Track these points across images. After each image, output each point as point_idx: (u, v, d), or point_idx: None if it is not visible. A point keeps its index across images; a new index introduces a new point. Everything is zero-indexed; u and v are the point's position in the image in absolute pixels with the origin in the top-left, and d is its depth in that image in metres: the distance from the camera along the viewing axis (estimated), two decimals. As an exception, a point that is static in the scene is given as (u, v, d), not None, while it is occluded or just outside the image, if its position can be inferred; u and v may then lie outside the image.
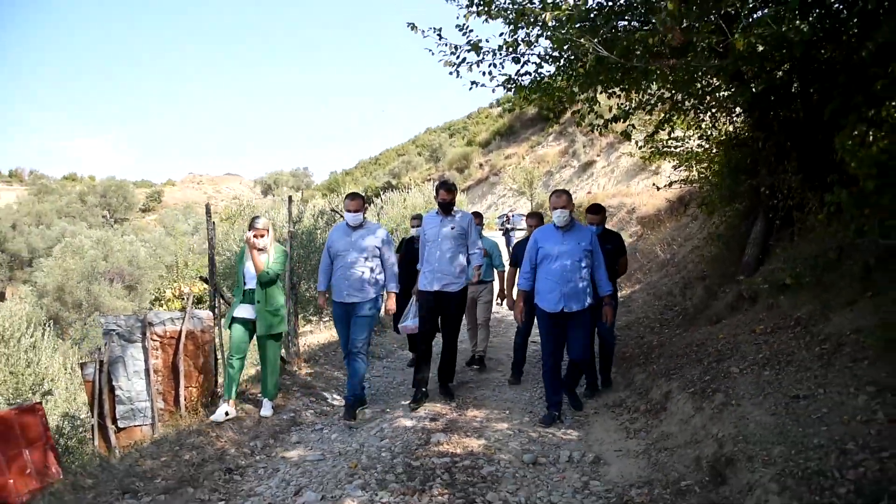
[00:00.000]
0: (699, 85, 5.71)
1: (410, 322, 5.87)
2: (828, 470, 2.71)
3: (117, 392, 5.39)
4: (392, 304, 5.50)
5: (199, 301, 10.69)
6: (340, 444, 4.51)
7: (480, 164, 55.42)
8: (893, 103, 3.62)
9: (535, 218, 6.33)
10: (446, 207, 5.50)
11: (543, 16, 4.61)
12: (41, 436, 5.86)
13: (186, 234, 50.80)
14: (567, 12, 4.55)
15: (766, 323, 5.06)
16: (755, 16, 4.38)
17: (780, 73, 5.08)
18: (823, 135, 4.66)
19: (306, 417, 5.38)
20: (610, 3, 5.12)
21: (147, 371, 5.41)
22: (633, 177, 30.24)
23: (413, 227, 7.27)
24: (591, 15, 5.10)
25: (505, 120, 58.35)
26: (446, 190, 5.54)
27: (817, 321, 4.49)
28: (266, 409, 5.29)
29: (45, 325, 11.33)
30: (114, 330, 5.35)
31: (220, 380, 5.80)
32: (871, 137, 3.65)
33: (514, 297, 5.89)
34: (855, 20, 3.59)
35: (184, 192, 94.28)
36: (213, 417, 4.94)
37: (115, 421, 5.44)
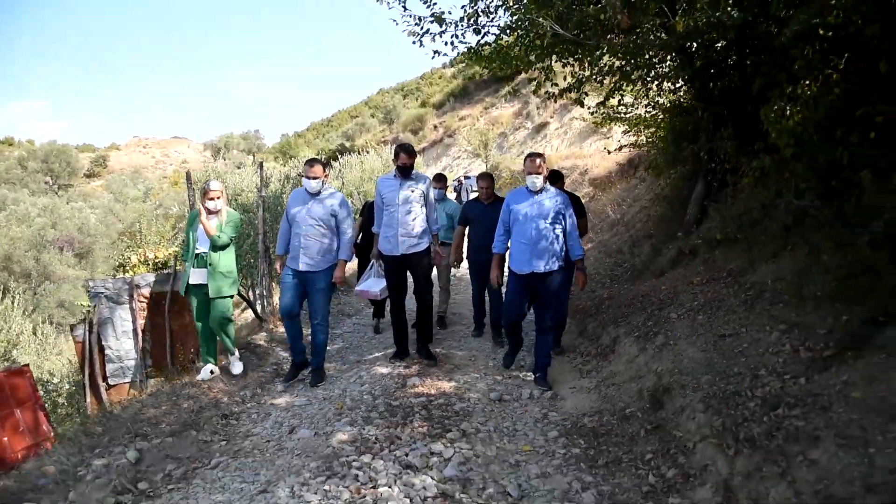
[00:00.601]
0: (646, 57, 6.18)
1: (368, 286, 5.79)
2: (742, 391, 3.30)
3: (107, 351, 5.71)
4: (341, 272, 5.29)
5: (163, 265, 10.83)
6: (323, 391, 4.96)
7: (435, 126, 55.27)
8: (807, 82, 4.17)
9: (486, 179, 6.41)
10: (406, 171, 5.42)
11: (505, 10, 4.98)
12: (30, 396, 6.14)
13: (137, 199, 49.56)
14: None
15: (702, 275, 5.68)
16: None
17: (718, 48, 5.59)
18: (753, 106, 5.21)
19: (287, 370, 5.79)
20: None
21: (135, 331, 5.74)
22: (585, 138, 30.84)
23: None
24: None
25: (459, 81, 58.12)
26: (406, 154, 5.45)
27: (745, 272, 5.11)
28: (235, 367, 5.43)
29: (14, 292, 11.30)
30: (102, 292, 5.65)
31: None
32: (788, 112, 4.20)
33: (455, 254, 6.34)
34: (779, 6, 4.09)
35: (130, 157, 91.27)
36: (199, 377, 5.17)
37: (105, 378, 5.77)
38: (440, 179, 7.25)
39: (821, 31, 3.84)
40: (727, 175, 6.29)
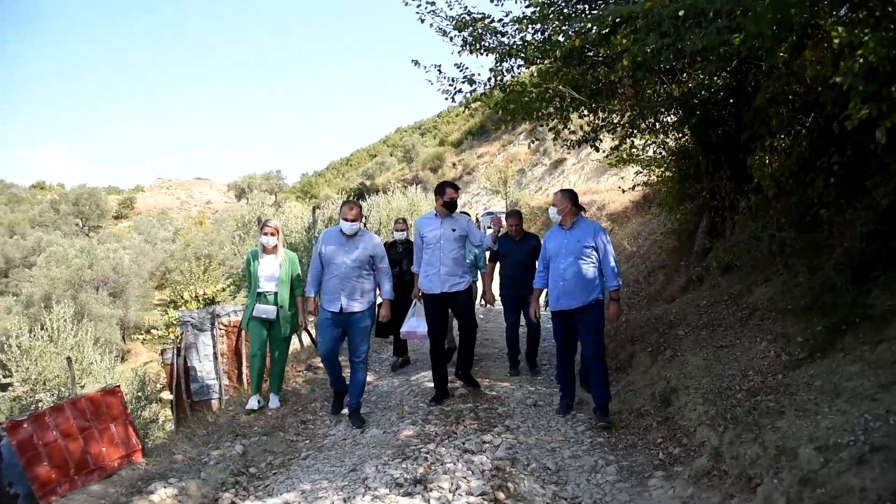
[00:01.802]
0: (652, 111, 7.11)
1: (412, 326, 5.89)
2: (733, 386, 4.14)
3: (192, 372, 6.63)
4: (387, 311, 5.44)
5: (212, 301, 11.85)
6: (383, 400, 5.83)
7: (454, 164, 56.55)
8: (782, 136, 5.06)
9: (515, 217, 6.64)
10: (453, 206, 5.54)
11: (528, 68, 5.95)
12: (122, 413, 7.05)
13: (166, 240, 51.11)
14: (548, 66, 5.94)
15: (707, 298, 6.50)
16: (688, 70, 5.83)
17: (713, 103, 6.51)
18: (744, 153, 6.11)
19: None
20: (582, 52, 6.44)
21: (215, 354, 6.67)
22: (602, 174, 31.74)
23: (397, 230, 7.26)
24: (566, 59, 6.45)
25: (476, 119, 59.48)
26: (453, 188, 5.59)
27: (742, 295, 5.94)
28: (273, 402, 5.72)
29: (87, 326, 12.38)
30: (188, 321, 6.60)
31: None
32: (768, 160, 5.10)
33: (488, 291, 6.21)
34: (753, 78, 5.01)
35: (155, 198, 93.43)
36: (248, 406, 5.58)
37: (189, 396, 6.69)
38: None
39: (790, 97, 4.76)
40: (727, 211, 7.16)
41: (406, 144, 72.05)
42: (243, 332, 6.63)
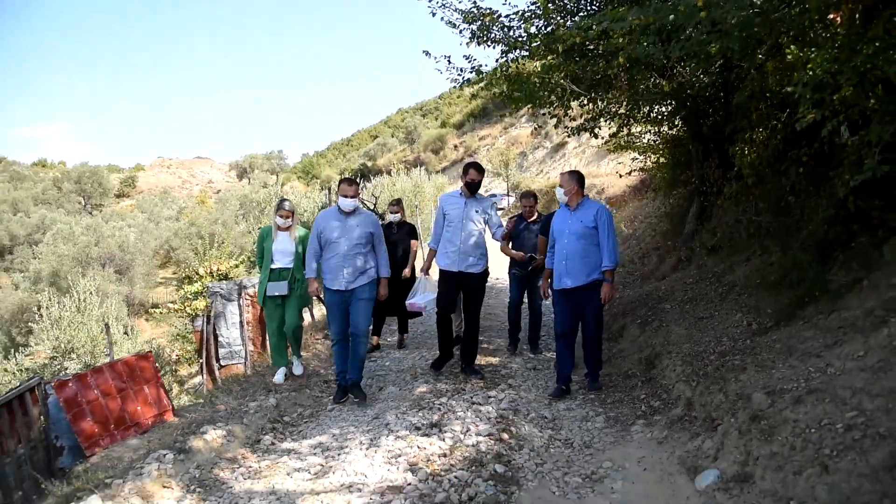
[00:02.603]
0: (647, 102, 7.64)
1: (420, 300, 6.05)
2: (708, 350, 4.73)
3: (220, 339, 7.24)
4: (385, 289, 5.45)
5: (225, 276, 12.43)
6: (396, 364, 6.43)
7: (455, 146, 56.95)
8: (760, 129, 5.61)
9: (529, 198, 6.82)
10: (474, 188, 5.65)
11: (532, 64, 6.48)
12: (154, 376, 7.70)
13: (170, 219, 51.61)
14: (551, 61, 6.47)
15: (693, 276, 7.08)
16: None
17: (703, 97, 7.04)
18: (729, 143, 6.66)
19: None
20: (583, 47, 6.95)
21: (241, 323, 7.27)
22: (602, 158, 32.17)
23: (391, 213, 7.29)
24: (567, 53, 6.96)
25: (478, 101, 59.72)
26: (476, 170, 5.66)
27: (725, 273, 6.51)
28: (297, 368, 6.07)
29: (115, 298, 12.98)
30: (218, 292, 7.19)
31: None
32: (747, 151, 5.66)
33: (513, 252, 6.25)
34: (736, 77, 5.55)
35: (157, 177, 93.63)
36: (275, 379, 5.83)
37: (217, 360, 7.30)
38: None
39: (767, 94, 5.30)
40: (714, 197, 7.71)
41: (408, 126, 72.21)
42: (267, 303, 7.24)
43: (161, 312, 13.93)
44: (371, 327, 5.79)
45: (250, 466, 3.96)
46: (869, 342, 3.37)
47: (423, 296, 6.04)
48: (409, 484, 3.46)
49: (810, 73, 3.19)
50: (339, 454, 4.03)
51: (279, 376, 5.85)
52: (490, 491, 3.33)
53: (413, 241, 7.15)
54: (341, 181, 5.41)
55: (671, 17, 3.33)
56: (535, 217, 6.68)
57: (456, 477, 3.50)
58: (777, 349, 4.09)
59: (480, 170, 5.73)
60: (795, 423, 3.00)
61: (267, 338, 7.33)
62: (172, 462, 3.84)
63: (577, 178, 5.21)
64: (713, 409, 3.79)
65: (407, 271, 6.88)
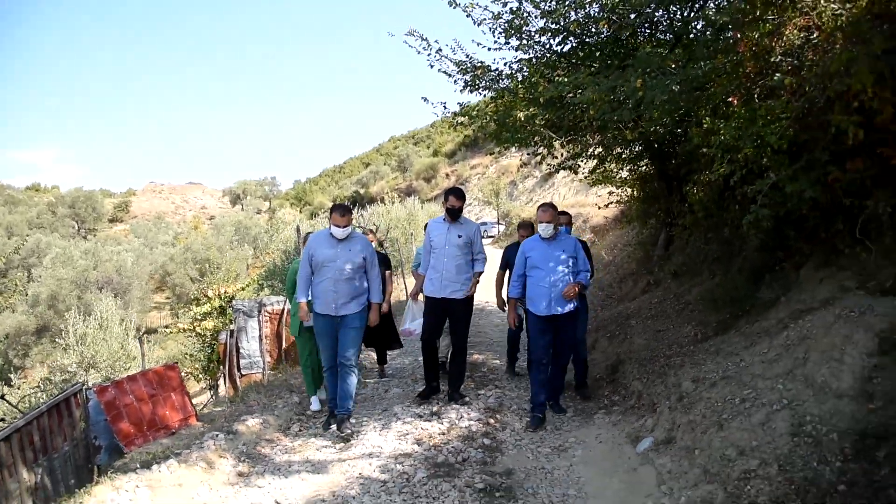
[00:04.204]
0: (616, 146, 8.74)
1: (415, 326, 6.15)
2: (659, 355, 5.75)
3: (241, 350, 8.16)
4: (376, 315, 5.35)
5: (231, 299, 13.34)
6: (398, 372, 7.38)
7: (447, 174, 58.08)
8: (708, 171, 6.69)
9: (527, 228, 6.78)
10: (455, 214, 5.60)
11: (516, 113, 7.56)
12: (180, 385, 8.60)
13: (166, 244, 52.39)
14: (532, 112, 7.56)
15: (658, 297, 8.11)
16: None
17: (665, 141, 8.15)
18: (684, 183, 7.76)
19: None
20: (560, 100, 8.01)
21: (260, 337, 8.20)
22: (589, 188, 33.38)
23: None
24: (546, 105, 8.04)
25: (469, 131, 60.92)
26: (456, 196, 5.61)
27: (684, 294, 7.55)
28: (315, 404, 5.90)
29: (130, 317, 13.91)
30: (241, 308, 8.14)
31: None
32: (696, 190, 6.73)
33: (504, 297, 6.25)
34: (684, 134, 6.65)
35: (150, 202, 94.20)
36: (311, 408, 5.82)
37: (239, 369, 8.23)
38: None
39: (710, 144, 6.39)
40: (678, 227, 8.79)
41: (400, 154, 73.28)
42: (284, 318, 8.19)
43: (170, 332, 14.78)
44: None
45: (286, 445, 4.90)
46: (773, 342, 4.39)
47: (415, 321, 6.15)
48: (417, 452, 4.44)
49: (721, 137, 4.25)
50: (357, 435, 4.98)
51: (315, 404, 5.87)
52: (479, 455, 4.32)
53: (387, 272, 6.92)
54: (333, 208, 5.19)
55: (616, 93, 4.39)
56: None
57: (453, 447, 4.48)
58: (710, 351, 5.11)
59: (460, 196, 5.68)
60: (708, 400, 4.01)
61: (282, 350, 8.28)
62: (224, 440, 4.78)
63: (557, 210, 5.32)
64: (655, 397, 4.81)
65: (385, 307, 6.40)
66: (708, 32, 4.92)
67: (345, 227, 5.08)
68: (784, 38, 3.89)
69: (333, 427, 5.16)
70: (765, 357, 4.21)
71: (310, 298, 5.26)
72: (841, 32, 3.40)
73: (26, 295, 36.04)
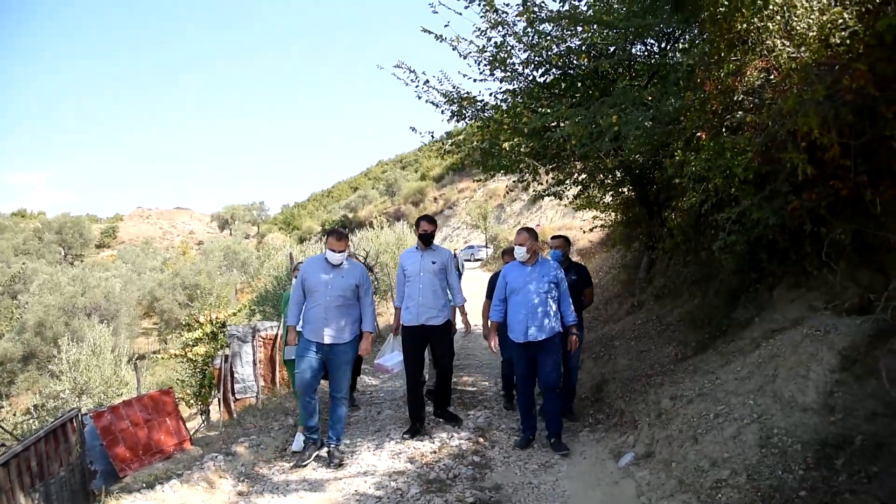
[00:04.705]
0: (598, 173, 9.07)
1: (387, 360, 6.05)
2: (641, 376, 5.99)
3: (236, 375, 8.32)
4: (368, 344, 5.25)
5: (223, 325, 13.48)
6: (390, 395, 7.57)
7: (435, 198, 58.59)
8: (684, 198, 7.00)
9: (511, 254, 6.12)
10: (427, 239, 5.63)
11: (501, 142, 7.87)
12: (174, 409, 8.73)
13: (155, 270, 52.27)
14: (516, 141, 7.88)
15: (642, 318, 8.39)
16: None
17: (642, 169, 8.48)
18: (664, 208, 8.07)
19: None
20: (544, 130, 8.34)
21: (254, 361, 8.37)
22: (577, 210, 33.83)
23: None
24: (530, 135, 8.36)
25: (457, 156, 61.54)
26: (427, 221, 5.70)
27: (666, 315, 7.83)
28: (296, 443, 5.49)
29: (122, 343, 14.00)
30: (234, 334, 8.31)
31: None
32: (674, 215, 7.05)
33: (486, 326, 6.13)
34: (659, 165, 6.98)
35: (138, 227, 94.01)
36: (293, 447, 5.44)
37: (233, 394, 8.37)
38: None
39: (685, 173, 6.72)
40: (659, 251, 9.10)
41: (388, 178, 73.74)
42: (277, 342, 8.37)
43: (161, 358, 14.86)
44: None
45: (283, 465, 5.07)
46: (746, 360, 4.65)
47: (392, 356, 6.04)
48: (409, 469, 4.64)
49: (693, 168, 4.56)
50: (352, 455, 5.18)
51: (297, 443, 5.48)
52: (469, 472, 4.53)
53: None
54: (330, 233, 5.16)
55: (595, 126, 4.70)
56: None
57: (444, 465, 4.69)
58: (688, 370, 5.36)
59: (432, 221, 5.77)
60: (685, 416, 4.25)
61: (276, 374, 8.44)
62: (223, 461, 4.95)
63: (535, 235, 5.30)
64: (636, 414, 5.05)
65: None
66: (678, 72, 5.25)
67: (341, 251, 5.03)
68: (745, 79, 4.22)
69: (322, 452, 5.13)
70: (738, 374, 4.47)
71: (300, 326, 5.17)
72: (795, 74, 3.72)
73: (21, 319, 35.83)
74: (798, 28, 4.03)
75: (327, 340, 4.96)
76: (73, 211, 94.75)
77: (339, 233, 5.11)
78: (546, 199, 11.11)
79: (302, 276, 5.08)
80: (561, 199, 10.42)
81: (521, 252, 5.16)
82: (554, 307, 5.14)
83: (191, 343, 13.67)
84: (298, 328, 5.23)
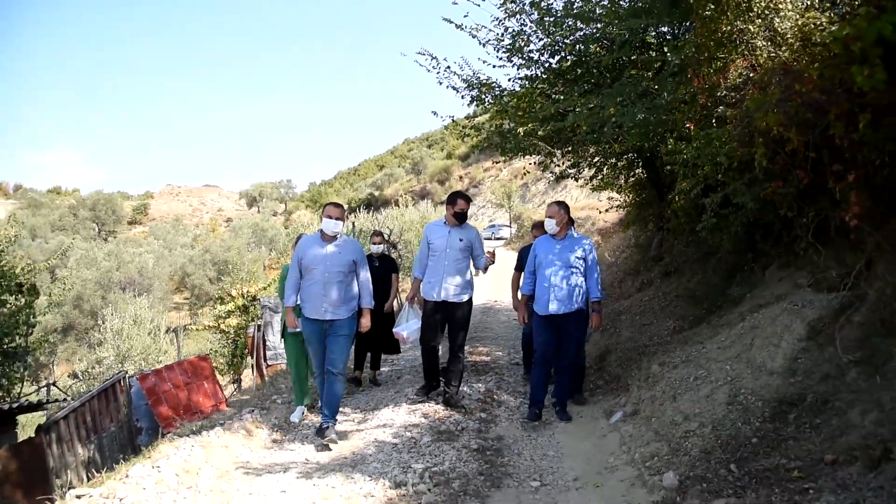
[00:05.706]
0: (612, 156, 9.46)
1: (404, 329, 6.06)
2: (640, 345, 6.48)
3: (267, 343, 8.98)
4: (367, 321, 5.22)
5: (253, 298, 14.20)
6: (409, 363, 8.15)
7: (460, 177, 58.90)
8: (685, 183, 7.41)
9: (541, 228, 6.29)
10: (463, 217, 5.64)
11: (515, 126, 8.31)
12: (211, 374, 9.47)
13: (186, 246, 53.56)
14: (532, 126, 8.32)
15: (650, 295, 8.83)
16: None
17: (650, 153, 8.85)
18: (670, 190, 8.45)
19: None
20: (557, 115, 8.75)
21: (284, 330, 9.00)
22: (594, 190, 33.96)
23: (373, 244, 7.21)
24: (544, 121, 8.78)
25: (475, 141, 61.56)
26: (464, 199, 5.67)
27: (671, 292, 8.27)
28: (296, 414, 5.74)
29: (160, 315, 14.92)
30: (267, 305, 8.95)
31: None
32: (677, 198, 7.44)
33: (515, 299, 6.59)
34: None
35: (168, 205, 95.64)
36: (291, 417, 5.68)
37: (265, 360, 9.04)
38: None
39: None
40: (667, 231, 9.50)
41: (414, 157, 73.93)
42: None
43: (195, 329, 15.70)
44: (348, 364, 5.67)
45: (312, 419, 5.69)
46: (731, 332, 5.10)
47: (409, 324, 6.08)
48: (423, 423, 5.21)
49: (684, 156, 4.99)
50: (373, 412, 5.77)
51: (297, 414, 5.74)
52: (476, 426, 5.10)
53: (393, 275, 7.16)
54: (327, 204, 5.20)
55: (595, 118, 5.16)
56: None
57: (454, 419, 5.26)
58: (681, 341, 5.84)
59: (468, 199, 5.78)
60: (669, 379, 4.75)
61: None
62: (259, 414, 5.59)
63: (566, 208, 5.34)
64: (629, 378, 5.56)
65: (394, 304, 6.59)
66: (672, 67, 5.65)
67: (337, 218, 5.05)
68: (729, 75, 4.63)
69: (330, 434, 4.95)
70: (721, 344, 4.94)
71: (299, 303, 5.18)
72: (772, 72, 4.13)
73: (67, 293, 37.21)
74: (780, 29, 4.43)
75: (328, 316, 4.97)
76: (105, 188, 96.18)
77: (334, 202, 5.22)
78: (570, 179, 11.54)
79: (299, 254, 5.08)
80: (577, 180, 10.82)
81: (550, 224, 5.27)
82: (579, 282, 5.22)
83: (223, 315, 14.45)
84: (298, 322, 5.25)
